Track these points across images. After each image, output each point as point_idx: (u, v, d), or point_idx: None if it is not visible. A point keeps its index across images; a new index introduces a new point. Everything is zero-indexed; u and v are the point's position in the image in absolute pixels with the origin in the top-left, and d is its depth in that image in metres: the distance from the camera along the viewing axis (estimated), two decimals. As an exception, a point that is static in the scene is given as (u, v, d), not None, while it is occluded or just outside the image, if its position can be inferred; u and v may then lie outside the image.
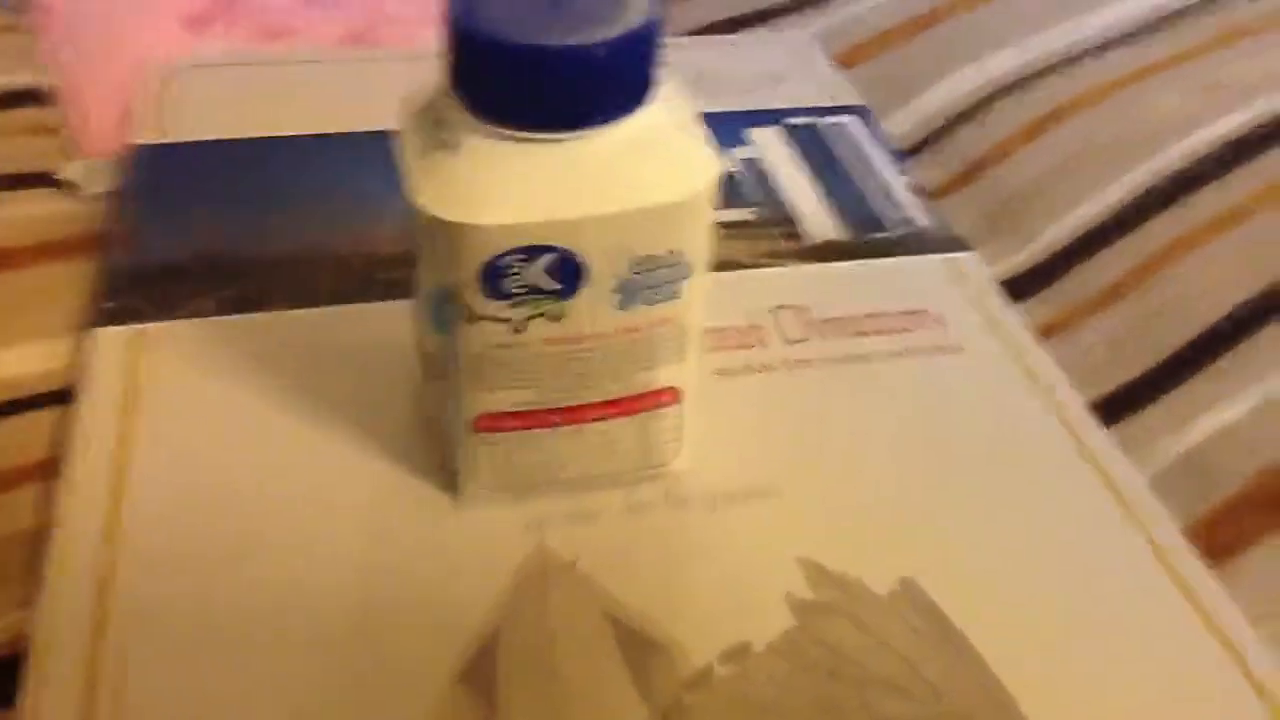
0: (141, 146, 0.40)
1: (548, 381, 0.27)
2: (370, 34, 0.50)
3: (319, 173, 0.40)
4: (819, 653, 0.26)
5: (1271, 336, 0.35)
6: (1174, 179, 0.41)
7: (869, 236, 0.39)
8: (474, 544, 0.28)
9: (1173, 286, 0.37)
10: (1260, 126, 0.42)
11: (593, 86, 0.24)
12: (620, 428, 0.28)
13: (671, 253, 0.26)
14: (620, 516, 0.29)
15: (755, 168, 0.42)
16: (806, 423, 0.32)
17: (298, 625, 0.26)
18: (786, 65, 0.48)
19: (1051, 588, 0.29)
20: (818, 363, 0.34)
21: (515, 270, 0.25)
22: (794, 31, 0.51)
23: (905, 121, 0.46)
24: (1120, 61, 0.47)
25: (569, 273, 0.25)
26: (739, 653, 0.26)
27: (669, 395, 0.28)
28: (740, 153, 0.43)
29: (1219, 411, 0.33)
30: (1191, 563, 0.29)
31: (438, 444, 0.30)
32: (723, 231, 0.38)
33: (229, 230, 0.37)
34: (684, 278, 0.26)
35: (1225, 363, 0.35)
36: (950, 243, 0.39)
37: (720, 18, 0.53)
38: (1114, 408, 0.34)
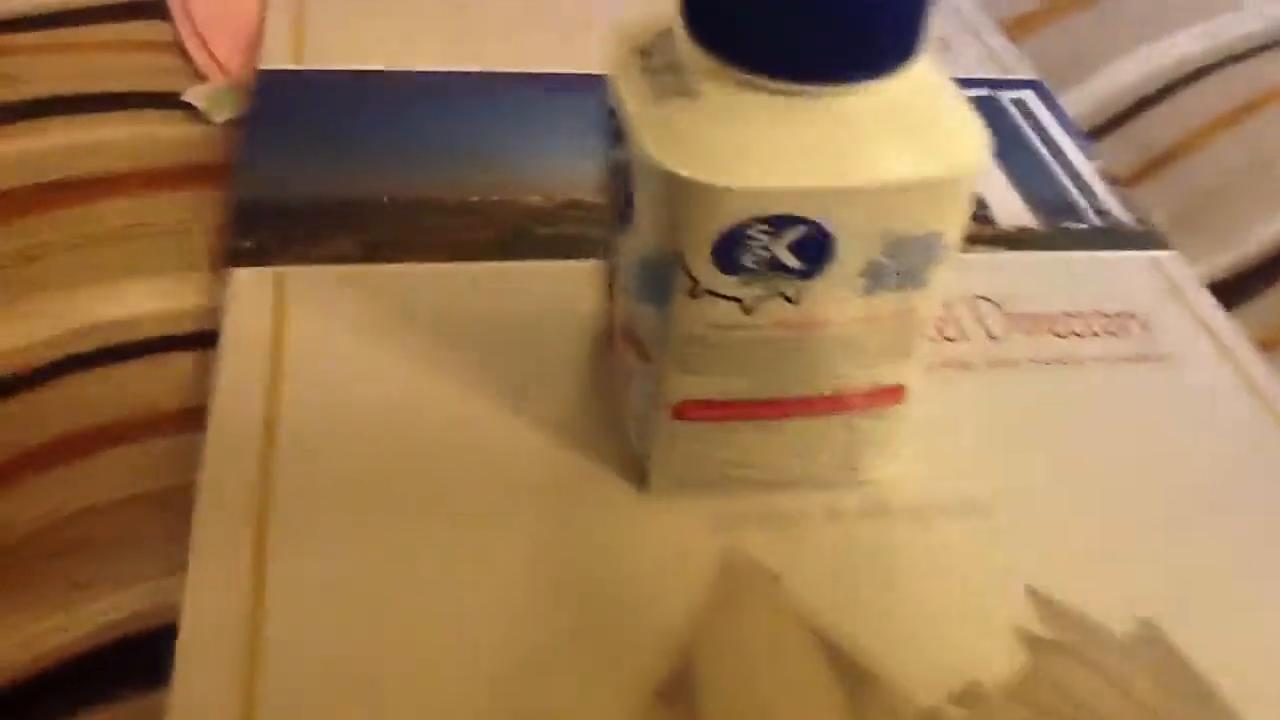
0: (272, 72, 0.37)
1: (767, 370, 0.23)
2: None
3: (472, 112, 0.36)
4: (1052, 698, 0.23)
5: None
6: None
7: (1062, 225, 0.36)
8: (662, 541, 0.25)
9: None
10: None
11: (863, 30, 0.20)
12: (833, 426, 0.25)
13: (930, 234, 0.22)
14: (821, 525, 0.26)
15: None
16: (1014, 431, 0.29)
17: (477, 601, 0.23)
18: (953, 32, 0.45)
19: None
20: (1023, 364, 0.31)
21: (757, 242, 0.21)
22: (961, -4, 0.47)
23: (1081, 102, 0.43)
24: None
25: (816, 250, 0.22)
26: (970, 695, 0.23)
27: (894, 394, 0.25)
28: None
29: None
30: None
31: (619, 428, 0.27)
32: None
33: (367, 169, 0.34)
34: (936, 263, 0.23)
35: None
36: (1150, 239, 0.36)
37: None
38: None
